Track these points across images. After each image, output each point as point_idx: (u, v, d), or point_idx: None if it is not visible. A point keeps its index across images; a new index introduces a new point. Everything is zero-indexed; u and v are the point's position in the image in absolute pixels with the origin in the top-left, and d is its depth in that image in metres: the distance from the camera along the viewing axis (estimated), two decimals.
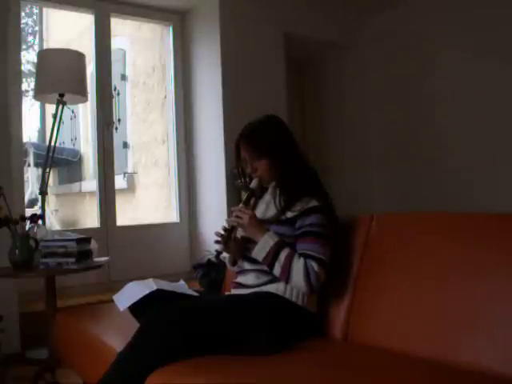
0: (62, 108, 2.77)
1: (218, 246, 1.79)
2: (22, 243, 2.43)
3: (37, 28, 6.62)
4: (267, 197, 1.87)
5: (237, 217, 1.74)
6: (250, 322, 1.58)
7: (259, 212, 1.85)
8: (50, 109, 3.44)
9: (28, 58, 5.60)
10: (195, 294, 1.82)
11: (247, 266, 1.81)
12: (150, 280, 1.77)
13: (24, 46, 6.12)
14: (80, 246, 2.41)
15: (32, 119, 5.92)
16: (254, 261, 1.76)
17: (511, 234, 1.47)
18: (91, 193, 4.55)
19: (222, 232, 1.78)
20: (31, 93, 4.21)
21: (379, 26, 4.18)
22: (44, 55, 2.88)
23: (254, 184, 1.85)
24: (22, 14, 3.73)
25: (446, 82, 3.74)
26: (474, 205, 3.35)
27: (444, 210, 3.27)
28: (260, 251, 1.70)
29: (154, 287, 1.69)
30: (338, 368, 1.43)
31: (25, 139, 3.55)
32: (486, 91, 3.50)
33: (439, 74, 3.79)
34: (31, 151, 4.88)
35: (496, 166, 3.48)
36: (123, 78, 4.90)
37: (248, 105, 3.36)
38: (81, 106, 4.87)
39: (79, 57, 2.81)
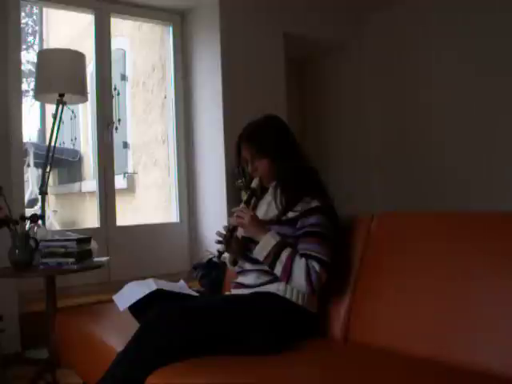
0: (62, 108, 2.77)
1: (219, 246, 1.79)
2: (21, 243, 2.43)
3: (37, 28, 6.63)
4: (268, 197, 1.87)
5: (238, 217, 1.75)
6: (250, 322, 1.58)
7: (260, 212, 1.85)
8: (50, 109, 3.44)
9: (28, 58, 5.61)
10: (195, 293, 1.83)
11: (248, 266, 1.81)
12: (150, 280, 1.77)
13: (24, 46, 6.12)
14: (80, 246, 2.41)
15: (32, 119, 5.93)
16: (254, 261, 1.76)
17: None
18: (91, 193, 4.55)
19: (224, 232, 1.78)
20: (31, 93, 4.22)
21: (378, 26, 4.18)
22: (44, 55, 2.88)
23: (254, 184, 1.85)
24: (22, 14, 3.73)
25: (445, 81, 3.74)
26: (473, 204, 3.35)
27: (443, 209, 3.28)
28: (261, 251, 1.70)
29: (154, 287, 1.69)
30: (338, 368, 1.43)
31: (25, 139, 3.54)
32: (484, 91, 3.50)
33: (437, 74, 3.79)
34: (31, 151, 4.88)
35: (494, 165, 3.48)
36: (123, 78, 4.91)
37: (248, 104, 3.35)
38: (81, 106, 4.88)
39: (79, 57, 2.81)
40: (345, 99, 4.44)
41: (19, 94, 3.14)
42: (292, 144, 1.87)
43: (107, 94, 3.53)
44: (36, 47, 6.81)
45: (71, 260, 2.36)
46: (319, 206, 1.73)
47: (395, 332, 1.59)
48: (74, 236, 2.50)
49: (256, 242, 1.72)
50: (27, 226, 2.53)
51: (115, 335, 1.77)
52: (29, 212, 3.01)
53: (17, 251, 2.42)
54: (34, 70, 3.15)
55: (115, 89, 4.22)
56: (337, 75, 4.47)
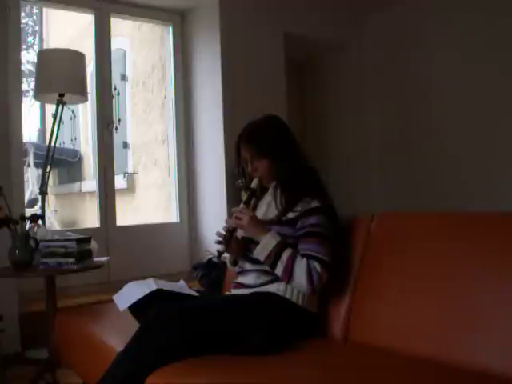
0: (62, 108, 2.77)
1: (219, 247, 1.78)
2: (21, 243, 2.43)
3: (37, 28, 6.63)
4: (268, 197, 1.87)
5: (236, 218, 1.74)
6: (250, 322, 1.58)
7: (260, 213, 1.85)
8: (50, 109, 3.44)
9: (28, 58, 5.61)
10: (195, 293, 1.83)
11: (248, 266, 1.81)
12: (150, 280, 1.77)
13: (24, 46, 6.12)
14: (80, 246, 2.41)
15: (32, 119, 5.93)
16: (255, 261, 1.76)
17: None
18: (91, 193, 4.55)
19: (223, 232, 1.78)
20: (31, 93, 4.22)
21: (379, 26, 4.19)
22: (44, 55, 2.88)
23: (254, 184, 1.85)
24: (22, 14, 3.73)
25: (445, 81, 3.74)
26: (473, 204, 3.35)
27: (443, 209, 3.28)
28: (262, 251, 1.70)
29: (154, 287, 1.69)
30: (338, 368, 1.43)
31: (25, 139, 3.55)
32: (485, 91, 3.50)
33: (438, 74, 3.79)
34: (31, 151, 4.88)
35: (495, 165, 3.48)
36: (123, 78, 4.91)
37: (248, 105, 3.35)
38: (81, 106, 4.88)
39: (79, 57, 2.81)
40: (345, 99, 4.44)
41: (19, 93, 3.14)
42: (292, 144, 1.86)
43: (107, 94, 3.53)
44: (36, 47, 6.82)
45: (71, 260, 2.36)
46: (319, 207, 1.73)
47: (395, 332, 1.59)
48: (74, 236, 2.50)
49: (256, 243, 1.72)
50: (27, 226, 2.53)
51: (115, 335, 1.77)
52: (29, 212, 3.01)
53: (17, 251, 2.42)
54: (33, 70, 3.15)
55: (115, 89, 4.22)
56: (337, 75, 4.47)
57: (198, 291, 1.90)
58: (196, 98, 3.75)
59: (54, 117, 2.78)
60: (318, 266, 1.65)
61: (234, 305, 1.65)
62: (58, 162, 5.17)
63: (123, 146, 4.84)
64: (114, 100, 3.75)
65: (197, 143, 3.76)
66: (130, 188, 4.78)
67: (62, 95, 2.72)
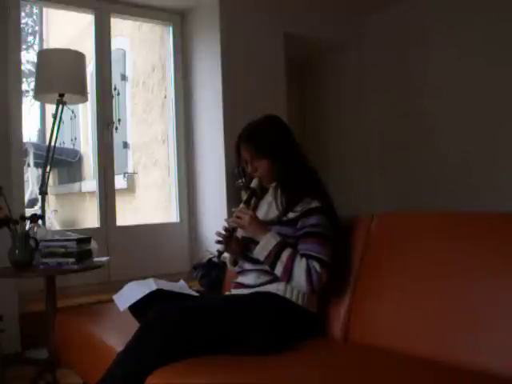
0: (62, 108, 2.77)
1: (219, 246, 1.78)
2: (21, 243, 2.43)
3: (37, 28, 6.63)
4: (269, 197, 1.87)
5: (237, 217, 1.75)
6: (250, 322, 1.58)
7: (261, 213, 1.85)
8: (50, 109, 3.44)
9: (28, 58, 5.61)
10: (195, 293, 1.83)
11: (248, 266, 1.81)
12: (150, 280, 1.77)
13: (24, 46, 6.12)
14: (80, 246, 2.41)
15: (32, 119, 5.94)
16: (254, 261, 1.76)
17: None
18: (91, 193, 4.56)
19: (223, 232, 1.78)
20: (31, 93, 4.22)
21: (379, 26, 4.18)
22: (44, 55, 2.88)
23: (254, 184, 1.85)
24: (22, 13, 3.73)
25: (445, 81, 3.74)
26: (474, 204, 3.35)
27: (444, 209, 3.28)
28: (261, 251, 1.70)
29: (154, 287, 1.69)
30: (338, 368, 1.43)
31: (25, 139, 3.55)
32: (486, 90, 3.50)
33: (438, 74, 3.79)
34: (31, 151, 4.89)
35: (496, 165, 3.48)
36: (123, 78, 4.91)
37: (248, 105, 3.36)
38: (81, 106, 4.89)
39: (79, 57, 2.81)
40: (345, 99, 4.44)
41: (19, 93, 3.14)
42: (292, 144, 1.86)
43: (107, 94, 3.53)
44: (36, 47, 6.82)
45: (71, 260, 2.36)
46: (319, 207, 1.73)
47: (395, 332, 1.59)
48: (74, 236, 2.50)
49: (256, 242, 1.72)
50: (27, 226, 2.53)
51: (115, 335, 1.77)
52: (29, 212, 3.01)
53: (17, 251, 2.42)
54: (33, 70, 3.15)
55: (115, 89, 4.22)
56: (337, 75, 4.47)
57: (197, 291, 1.90)
58: (196, 98, 3.75)
59: (54, 117, 2.78)
60: (317, 265, 1.65)
61: (234, 305, 1.65)
62: (58, 162, 5.17)
63: (123, 146, 4.84)
64: (113, 100, 3.75)
65: (197, 143, 3.76)
66: (130, 188, 4.79)
67: (62, 95, 2.72)
